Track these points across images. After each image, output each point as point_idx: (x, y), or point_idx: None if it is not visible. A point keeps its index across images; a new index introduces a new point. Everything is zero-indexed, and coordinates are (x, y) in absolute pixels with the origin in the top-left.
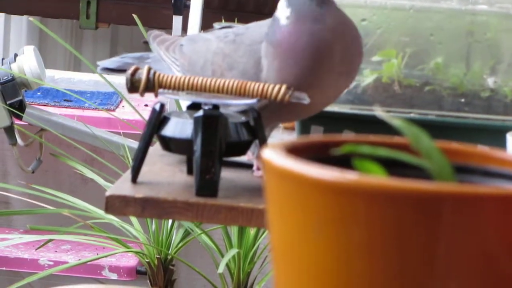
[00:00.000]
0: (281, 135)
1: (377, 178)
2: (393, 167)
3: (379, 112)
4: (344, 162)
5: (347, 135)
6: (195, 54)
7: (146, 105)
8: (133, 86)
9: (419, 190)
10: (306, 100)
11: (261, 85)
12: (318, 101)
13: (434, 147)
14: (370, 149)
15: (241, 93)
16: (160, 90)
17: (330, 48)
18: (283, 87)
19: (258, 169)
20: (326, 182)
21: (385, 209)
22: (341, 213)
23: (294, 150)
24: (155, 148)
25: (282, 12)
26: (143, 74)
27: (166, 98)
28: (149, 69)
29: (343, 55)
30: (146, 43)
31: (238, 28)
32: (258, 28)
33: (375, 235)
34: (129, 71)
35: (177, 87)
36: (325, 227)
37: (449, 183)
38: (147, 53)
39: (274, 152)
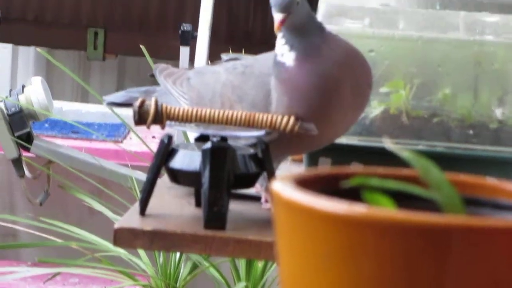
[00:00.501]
0: (289, 167)
1: (386, 210)
2: (402, 199)
3: (388, 143)
4: (353, 194)
5: (356, 167)
6: (204, 87)
7: (153, 137)
8: (140, 118)
9: (429, 223)
10: (314, 131)
11: (270, 116)
12: (328, 134)
13: (443, 179)
14: (379, 182)
15: (249, 124)
16: (168, 122)
17: (338, 83)
18: (292, 118)
19: (266, 201)
20: (336, 215)
21: (394, 242)
22: (351, 246)
23: (303, 182)
24: (163, 180)
25: (283, 49)
26: (151, 106)
27: (174, 130)
28: (157, 101)
29: (352, 89)
30: (153, 76)
31: (247, 59)
32: (266, 60)
33: (384, 267)
34: (137, 103)
35: (185, 119)
36: (334, 259)
37: (459, 216)
38: (153, 87)
39: (283, 184)
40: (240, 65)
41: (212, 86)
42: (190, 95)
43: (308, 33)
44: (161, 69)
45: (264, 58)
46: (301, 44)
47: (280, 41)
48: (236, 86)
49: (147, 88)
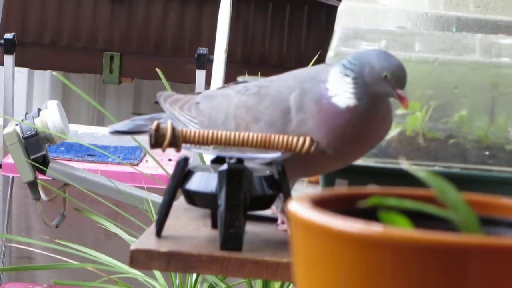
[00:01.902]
0: (305, 189)
1: (403, 230)
2: (419, 219)
3: (405, 164)
4: (370, 214)
5: (372, 187)
6: (215, 110)
7: (169, 160)
8: (157, 142)
9: (445, 242)
10: (330, 151)
11: (286, 137)
12: (344, 159)
13: (460, 199)
14: (396, 202)
15: (265, 146)
16: (184, 145)
17: (366, 136)
18: (308, 140)
19: (283, 222)
20: (353, 235)
21: (411, 261)
22: (368, 265)
23: (320, 203)
24: (180, 202)
25: (344, 94)
26: (167, 130)
27: (190, 152)
28: (173, 125)
29: (375, 135)
30: (157, 102)
31: (260, 81)
32: (283, 80)
33: (401, 286)
34: (153, 127)
35: (201, 142)
36: (351, 279)
37: (475, 235)
38: (159, 114)
39: (300, 205)
40: (253, 86)
41: (225, 109)
42: (200, 119)
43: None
44: (165, 96)
45: (280, 79)
46: (368, 100)
47: (346, 87)
48: (251, 106)
49: (152, 115)
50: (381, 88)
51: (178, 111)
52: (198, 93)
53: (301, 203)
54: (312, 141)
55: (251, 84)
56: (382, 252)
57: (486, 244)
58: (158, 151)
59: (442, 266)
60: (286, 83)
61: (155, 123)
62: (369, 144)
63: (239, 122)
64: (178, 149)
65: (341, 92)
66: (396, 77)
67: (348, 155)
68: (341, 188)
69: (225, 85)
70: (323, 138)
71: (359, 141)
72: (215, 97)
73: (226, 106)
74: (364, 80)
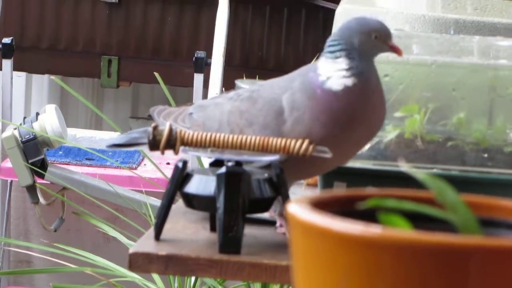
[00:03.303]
0: (304, 192)
1: (403, 231)
2: (418, 220)
3: (404, 166)
4: (369, 216)
5: (371, 189)
6: (208, 119)
7: (168, 163)
8: (155, 143)
9: (445, 244)
10: (328, 154)
11: (283, 140)
12: (339, 160)
13: (459, 200)
14: (395, 203)
15: (263, 149)
16: (182, 148)
17: (366, 117)
18: (305, 142)
19: (281, 225)
20: (352, 236)
21: (410, 263)
22: (367, 267)
23: (319, 205)
24: (178, 206)
25: (337, 73)
26: (164, 131)
27: (188, 155)
28: (171, 126)
29: (372, 122)
30: (151, 117)
31: (251, 86)
32: (273, 83)
33: None
34: (150, 128)
35: (199, 144)
36: (351, 280)
37: (475, 237)
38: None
39: (299, 207)
40: (244, 92)
41: (218, 117)
42: (194, 130)
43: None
44: (159, 111)
45: (271, 82)
46: (368, 69)
47: (340, 66)
48: (244, 111)
49: (147, 128)
50: (375, 48)
51: (172, 123)
52: (191, 104)
53: (300, 205)
54: (310, 143)
55: (242, 90)
56: (381, 253)
57: (486, 245)
58: (156, 154)
59: (442, 268)
60: (278, 85)
61: (153, 124)
62: (372, 127)
63: (233, 128)
64: (176, 151)
65: (335, 73)
66: (384, 32)
67: (350, 145)
68: (340, 190)
69: (218, 94)
70: (322, 129)
71: (361, 123)
72: (208, 106)
73: (219, 114)
74: (358, 51)
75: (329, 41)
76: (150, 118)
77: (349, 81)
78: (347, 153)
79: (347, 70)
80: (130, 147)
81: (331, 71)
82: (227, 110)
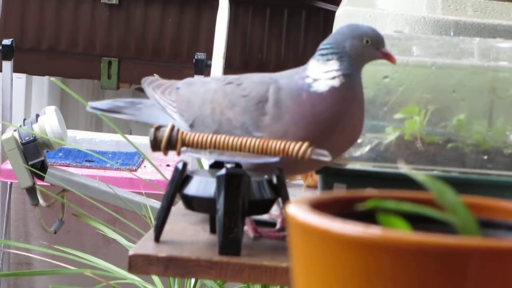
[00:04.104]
0: (303, 193)
1: (402, 233)
2: (417, 222)
3: (404, 168)
4: (369, 217)
5: (371, 191)
6: (193, 95)
7: (168, 165)
8: (156, 144)
9: (444, 245)
10: (327, 157)
11: (283, 143)
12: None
13: (459, 202)
14: (395, 204)
15: (263, 152)
16: (183, 149)
17: (347, 120)
18: (304, 145)
19: (282, 229)
20: (351, 237)
21: (410, 264)
22: (366, 268)
23: (319, 206)
24: (178, 207)
25: (325, 75)
26: (165, 131)
27: (188, 156)
28: (173, 127)
29: (352, 127)
30: (139, 89)
31: (240, 75)
32: (263, 75)
33: None
34: (153, 128)
35: (200, 145)
36: (350, 282)
37: (474, 238)
38: (139, 99)
39: (299, 208)
40: (233, 77)
41: (202, 94)
42: (178, 103)
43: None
44: (149, 82)
45: (261, 74)
46: (356, 74)
47: (330, 68)
48: (229, 92)
49: (133, 99)
50: (367, 53)
51: (159, 95)
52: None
53: (299, 206)
54: (309, 146)
55: (231, 76)
56: (381, 255)
57: (485, 247)
58: (156, 156)
59: (441, 269)
60: (267, 76)
61: (156, 124)
62: (351, 133)
63: (215, 107)
64: (177, 152)
65: (323, 74)
66: (376, 38)
67: (334, 146)
68: (339, 191)
69: None
70: (299, 132)
71: (342, 127)
72: (195, 83)
73: (204, 91)
74: (349, 55)
75: (321, 45)
76: (140, 90)
77: (336, 82)
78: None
79: (336, 71)
80: (111, 113)
81: (319, 73)
82: (212, 88)
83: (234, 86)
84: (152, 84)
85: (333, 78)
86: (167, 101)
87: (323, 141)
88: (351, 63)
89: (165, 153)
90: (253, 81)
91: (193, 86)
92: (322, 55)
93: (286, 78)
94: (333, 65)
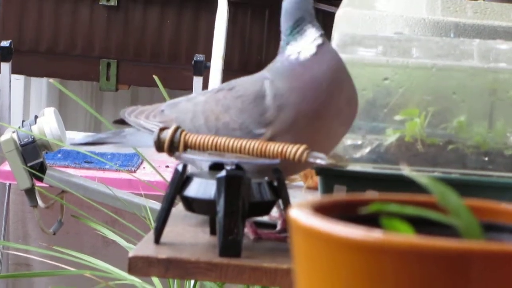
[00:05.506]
0: (304, 195)
1: (405, 236)
2: (420, 225)
3: (406, 170)
4: (371, 220)
5: (373, 194)
6: (181, 112)
7: (167, 166)
8: (160, 145)
9: (448, 249)
10: (324, 160)
11: (281, 146)
12: (324, 141)
13: (462, 205)
14: (398, 208)
15: (261, 154)
16: (177, 153)
17: (343, 78)
18: (301, 148)
19: (284, 230)
20: (354, 241)
21: (413, 268)
22: (369, 272)
23: (321, 209)
24: (178, 209)
25: (309, 40)
26: (168, 132)
27: (188, 160)
28: (177, 128)
29: (348, 96)
30: (117, 122)
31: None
32: (253, 76)
33: None
34: (157, 129)
35: (202, 147)
36: (353, 285)
37: (478, 241)
38: (120, 130)
39: (301, 211)
40: (222, 86)
41: (192, 109)
42: (167, 124)
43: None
44: (130, 111)
45: (249, 77)
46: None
47: (309, 35)
48: (221, 98)
49: (114, 130)
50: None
51: (144, 120)
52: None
53: (302, 209)
54: (305, 149)
55: (219, 86)
56: (383, 258)
57: (489, 251)
58: (155, 157)
59: (444, 273)
60: (258, 75)
61: (160, 126)
62: (349, 94)
63: (208, 115)
64: (180, 152)
65: (305, 43)
66: None
67: (340, 109)
68: (341, 194)
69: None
70: (311, 101)
71: (341, 87)
72: (179, 102)
73: (192, 105)
74: (309, 16)
75: (286, 28)
76: (118, 122)
77: (319, 40)
78: (335, 129)
79: (314, 33)
80: (93, 145)
81: (300, 45)
82: (201, 100)
83: (225, 92)
84: (133, 112)
85: (314, 39)
86: (153, 123)
87: (331, 105)
88: (315, 22)
89: (170, 154)
90: (245, 82)
91: (179, 105)
92: (291, 33)
93: (271, 70)
94: (310, 32)
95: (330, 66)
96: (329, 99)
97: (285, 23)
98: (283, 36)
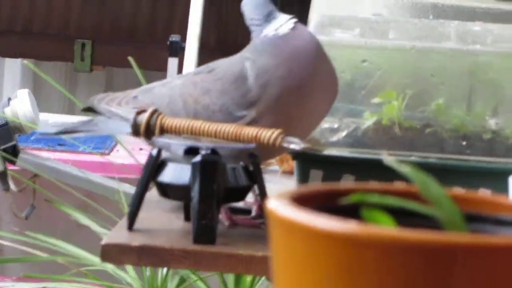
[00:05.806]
0: (279, 179)
1: (386, 228)
2: (401, 215)
3: (386, 157)
4: (352, 211)
5: (353, 183)
6: (157, 98)
7: (141, 149)
8: (136, 129)
9: (430, 241)
10: (298, 145)
11: (255, 130)
12: (304, 121)
13: (444, 195)
14: (379, 199)
15: (236, 139)
16: (154, 138)
17: (323, 52)
18: (276, 132)
19: (259, 216)
20: (333, 233)
21: (395, 260)
22: (349, 265)
23: (300, 200)
24: (152, 194)
25: (282, 21)
26: (144, 116)
27: (163, 144)
28: (154, 111)
29: (327, 74)
30: (85, 110)
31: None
32: (232, 57)
33: (385, 287)
34: (133, 113)
35: (178, 130)
36: (332, 279)
37: (460, 233)
38: (90, 118)
39: (280, 202)
40: (200, 68)
41: (168, 93)
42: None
43: None
44: (100, 99)
45: (229, 58)
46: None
47: (283, 17)
48: (199, 82)
49: (83, 120)
50: None
51: (116, 108)
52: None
53: (280, 200)
54: (280, 133)
55: (196, 69)
56: (364, 251)
57: (472, 243)
58: (129, 140)
59: (427, 266)
60: (238, 56)
61: (136, 109)
62: (328, 61)
63: (186, 98)
64: (156, 136)
65: (279, 22)
66: None
67: (319, 90)
68: (320, 184)
69: None
70: (300, 74)
71: (322, 58)
72: (154, 87)
73: (168, 90)
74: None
75: (253, 20)
76: (87, 110)
77: (293, 19)
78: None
79: (285, 17)
80: (62, 134)
81: (277, 24)
82: (178, 84)
83: (204, 75)
84: (104, 100)
85: (289, 19)
86: (126, 110)
87: (316, 79)
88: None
89: (147, 138)
90: (225, 63)
91: (153, 90)
92: (267, 20)
93: (251, 50)
94: (283, 16)
95: (311, 38)
96: (314, 72)
97: (255, 15)
98: (254, 27)
